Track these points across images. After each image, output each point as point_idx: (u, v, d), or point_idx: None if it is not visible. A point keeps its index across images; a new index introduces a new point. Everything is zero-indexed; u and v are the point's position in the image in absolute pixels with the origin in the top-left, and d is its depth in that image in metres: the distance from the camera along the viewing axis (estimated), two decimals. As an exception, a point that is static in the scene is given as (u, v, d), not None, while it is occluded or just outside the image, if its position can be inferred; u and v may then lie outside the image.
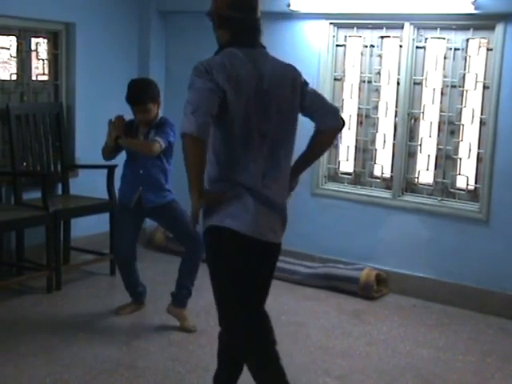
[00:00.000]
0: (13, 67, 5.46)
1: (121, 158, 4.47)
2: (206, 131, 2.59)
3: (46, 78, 5.51)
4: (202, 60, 2.73)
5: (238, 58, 2.73)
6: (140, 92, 4.23)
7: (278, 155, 2.83)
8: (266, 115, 2.77)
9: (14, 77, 5.28)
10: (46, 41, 5.47)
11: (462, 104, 4.90)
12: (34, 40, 5.37)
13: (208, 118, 2.59)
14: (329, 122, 2.91)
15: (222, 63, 2.69)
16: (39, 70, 5.52)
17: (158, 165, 4.31)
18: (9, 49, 5.33)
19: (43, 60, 5.50)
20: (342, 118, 2.96)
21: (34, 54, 5.39)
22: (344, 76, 5.36)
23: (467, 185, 4.95)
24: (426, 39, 4.99)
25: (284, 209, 2.90)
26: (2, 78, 5.36)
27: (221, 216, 2.77)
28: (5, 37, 5.32)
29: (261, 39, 2.85)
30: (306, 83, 2.91)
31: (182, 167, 2.71)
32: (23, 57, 5.27)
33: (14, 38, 5.24)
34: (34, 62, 5.44)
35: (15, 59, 5.31)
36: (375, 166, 5.32)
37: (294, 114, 2.89)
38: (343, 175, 5.46)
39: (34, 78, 5.43)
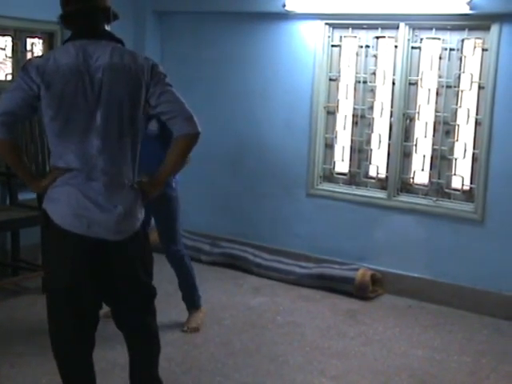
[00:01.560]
0: (8, 67, 5.45)
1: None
2: None
3: (41, 78, 5.50)
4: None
5: (66, 51, 2.69)
6: None
7: (115, 150, 2.72)
8: (98, 108, 2.67)
9: (10, 77, 5.27)
10: (41, 41, 5.46)
11: (457, 104, 4.91)
12: (29, 40, 5.36)
13: (2, 117, 2.61)
14: (183, 129, 2.73)
15: (44, 58, 2.71)
16: (34, 70, 5.51)
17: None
18: (4, 49, 5.32)
19: (38, 60, 5.50)
20: (196, 125, 2.75)
21: (29, 55, 5.37)
22: (339, 76, 5.36)
23: (462, 185, 4.95)
24: (422, 39, 5.00)
25: (120, 206, 2.75)
26: (-2, 79, 5.37)
27: (48, 199, 2.78)
28: (0, 37, 5.31)
29: (101, 29, 2.76)
30: (159, 80, 2.74)
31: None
32: (18, 57, 5.26)
33: (9, 39, 5.23)
34: (30, 63, 5.43)
35: (10, 59, 5.30)
36: (370, 166, 5.32)
37: (137, 110, 2.75)
38: (338, 175, 5.46)
39: (29, 78, 5.42)
